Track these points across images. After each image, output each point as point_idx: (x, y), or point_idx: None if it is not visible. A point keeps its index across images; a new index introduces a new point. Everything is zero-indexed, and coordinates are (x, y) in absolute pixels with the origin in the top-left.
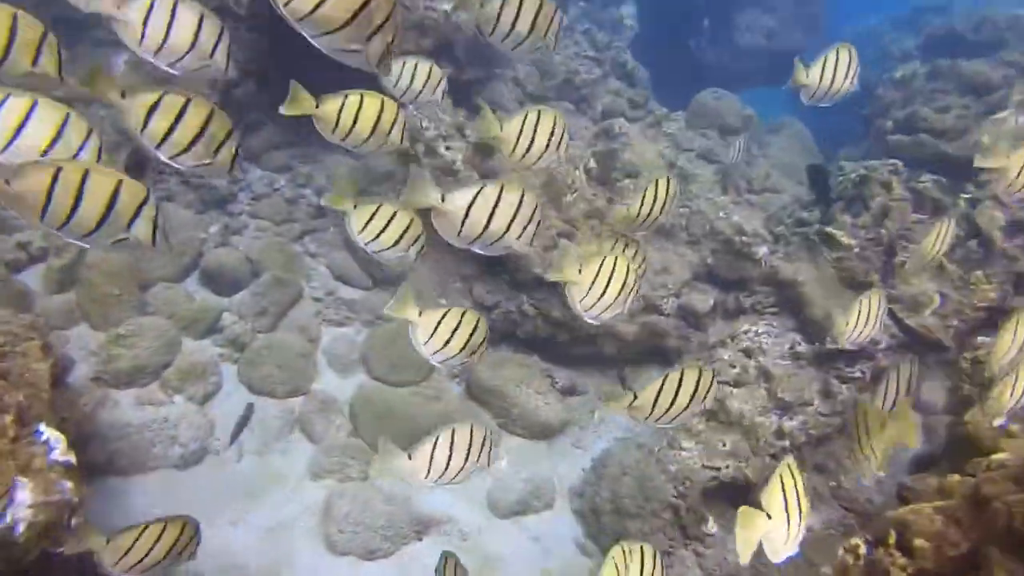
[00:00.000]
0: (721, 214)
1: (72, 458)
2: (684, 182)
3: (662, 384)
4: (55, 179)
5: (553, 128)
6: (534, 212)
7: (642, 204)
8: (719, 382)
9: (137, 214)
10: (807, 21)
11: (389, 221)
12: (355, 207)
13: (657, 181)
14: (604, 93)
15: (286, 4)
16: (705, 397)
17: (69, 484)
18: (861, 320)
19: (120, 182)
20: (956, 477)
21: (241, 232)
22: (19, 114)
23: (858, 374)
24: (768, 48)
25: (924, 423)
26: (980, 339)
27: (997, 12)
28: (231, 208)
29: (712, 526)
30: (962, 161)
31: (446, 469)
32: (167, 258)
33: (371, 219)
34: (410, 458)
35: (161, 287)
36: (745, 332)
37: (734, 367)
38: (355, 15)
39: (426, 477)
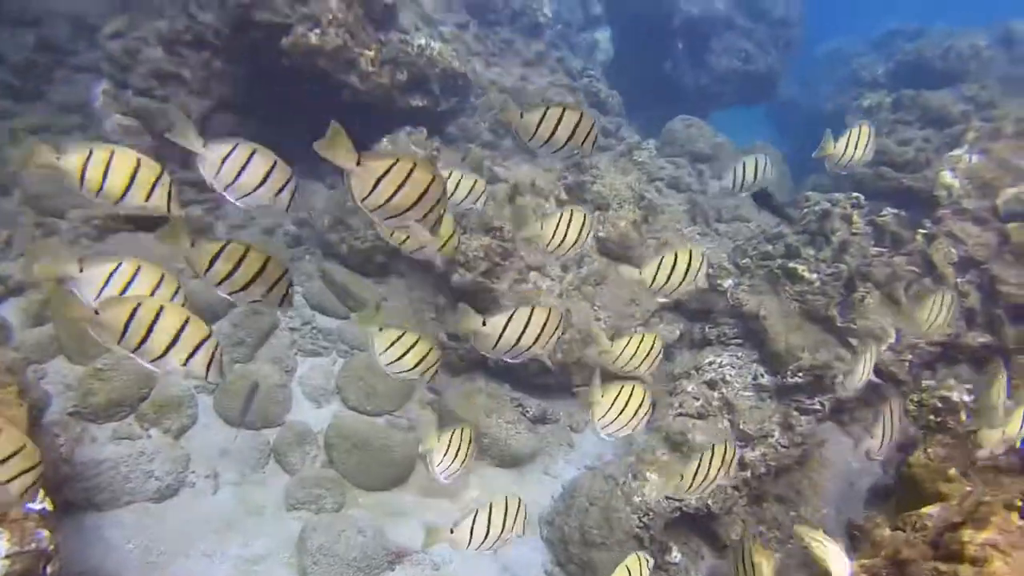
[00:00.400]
0: (688, 245)
1: (48, 505)
2: (653, 213)
3: (699, 462)
4: (133, 313)
5: (582, 225)
6: (557, 326)
7: (657, 272)
8: (683, 415)
9: (198, 349)
10: (782, 43)
11: (410, 348)
12: (380, 330)
13: (678, 254)
14: None
15: (363, 199)
16: (730, 466)
17: (45, 532)
18: (866, 370)
19: (187, 320)
20: (887, 532)
21: None
22: (128, 275)
23: (817, 406)
24: (744, 70)
25: None
26: (925, 382)
27: (962, 41)
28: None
29: (676, 555)
30: (922, 194)
31: (485, 539)
32: None
33: (393, 344)
34: (452, 531)
35: None
36: (710, 363)
37: (697, 399)
38: (416, 202)
39: (468, 546)
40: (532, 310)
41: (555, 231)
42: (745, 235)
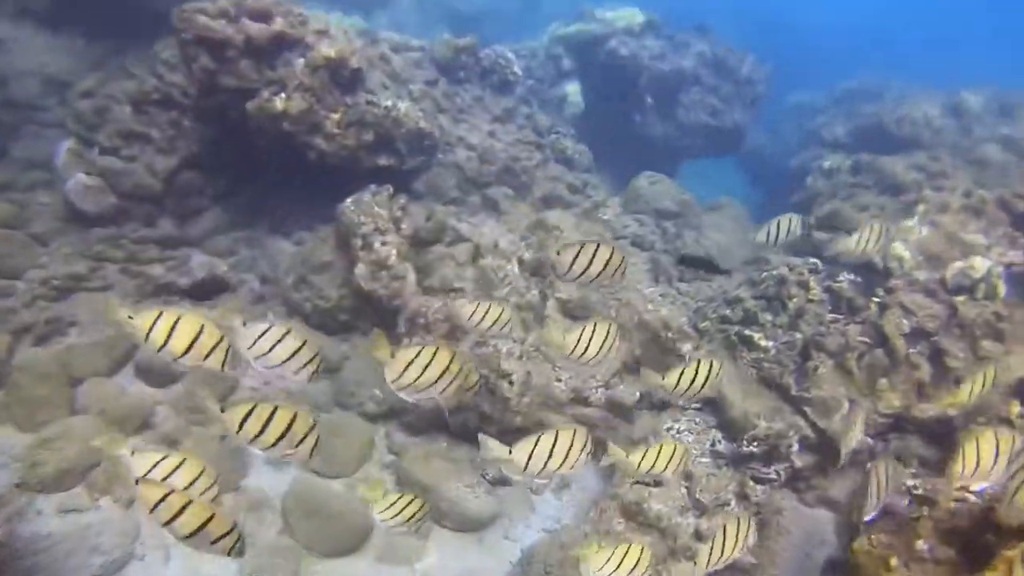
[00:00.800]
0: (650, 307)
1: None
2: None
3: (713, 542)
4: (163, 499)
5: (606, 337)
6: (584, 447)
7: (680, 379)
8: (639, 483)
9: (222, 537)
10: (748, 99)
11: (406, 506)
12: (384, 495)
13: (699, 362)
14: (544, 178)
15: (394, 381)
16: (747, 539)
17: None
18: (859, 433)
19: (212, 516)
20: None
21: None
22: (172, 465)
23: (773, 475)
24: (711, 124)
25: (837, 522)
26: (870, 464)
27: (916, 109)
28: (169, 298)
29: None
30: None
31: None
32: (100, 351)
33: (391, 506)
34: None
35: (92, 383)
36: (668, 428)
37: None
38: (437, 380)
39: None
40: (556, 434)
41: (577, 343)
42: (706, 295)
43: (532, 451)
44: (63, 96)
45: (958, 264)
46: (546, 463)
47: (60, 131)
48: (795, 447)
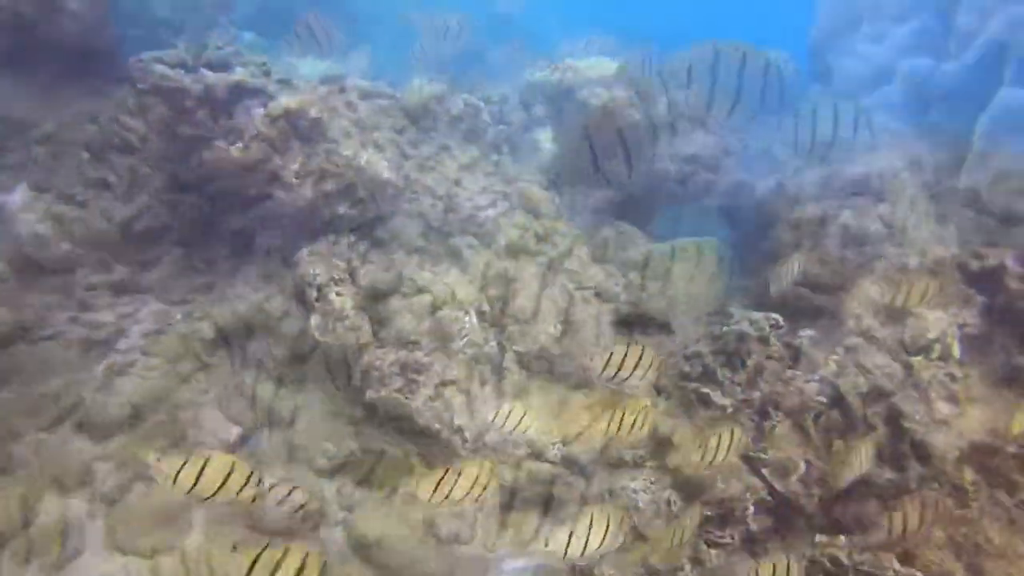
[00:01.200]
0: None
1: None
2: (571, 329)
3: None
4: None
5: (635, 419)
6: (620, 525)
7: (705, 451)
8: None
9: None
10: (722, 144)
11: None
12: None
13: (721, 433)
14: (509, 226)
15: (427, 499)
16: None
17: None
18: (865, 461)
19: None
20: None
21: (127, 372)
22: None
23: (728, 539)
24: (684, 170)
25: None
26: (818, 537)
27: (882, 159)
28: (120, 345)
29: None
30: (837, 317)
31: None
32: (40, 406)
33: None
34: None
35: (31, 439)
36: (623, 488)
37: None
38: (468, 492)
39: None
40: (592, 515)
41: (608, 424)
42: (667, 348)
43: (569, 539)
44: (20, 140)
45: (914, 323)
46: (585, 547)
47: (14, 175)
48: (751, 509)
